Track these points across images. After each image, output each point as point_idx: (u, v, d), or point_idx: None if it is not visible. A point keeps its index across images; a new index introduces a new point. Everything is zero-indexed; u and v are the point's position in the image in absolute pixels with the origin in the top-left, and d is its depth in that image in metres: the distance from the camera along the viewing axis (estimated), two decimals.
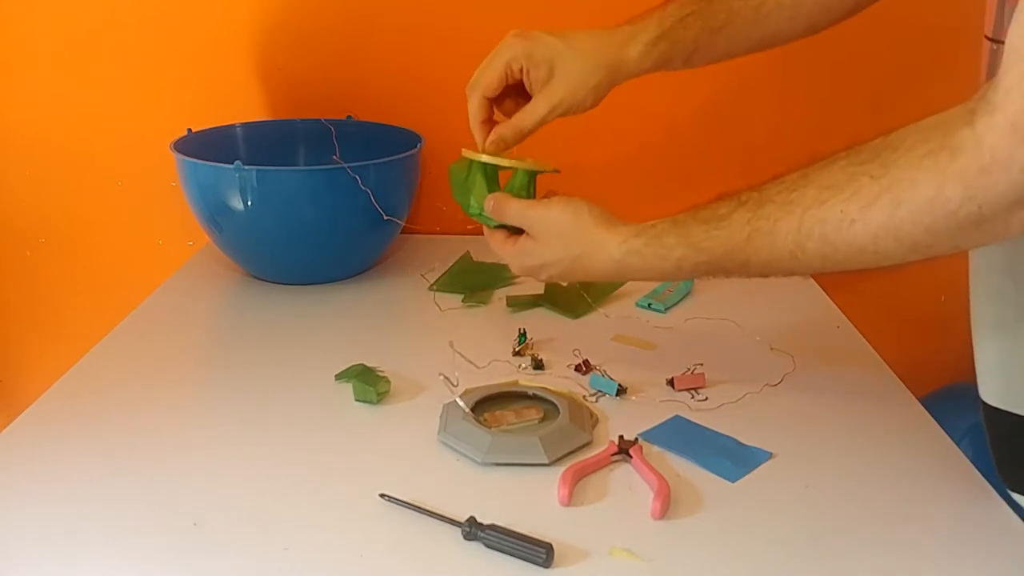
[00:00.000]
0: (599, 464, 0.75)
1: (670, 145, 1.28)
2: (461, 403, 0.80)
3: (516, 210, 0.79)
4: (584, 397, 0.86)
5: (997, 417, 0.73)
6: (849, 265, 0.63)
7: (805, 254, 0.63)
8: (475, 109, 0.84)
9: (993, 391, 0.73)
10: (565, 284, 0.83)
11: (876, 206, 0.59)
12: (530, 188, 0.83)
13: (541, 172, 0.83)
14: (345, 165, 1.03)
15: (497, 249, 0.82)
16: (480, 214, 0.82)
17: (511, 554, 0.63)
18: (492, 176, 0.84)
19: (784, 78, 1.24)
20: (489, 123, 0.85)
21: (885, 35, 1.20)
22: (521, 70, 0.82)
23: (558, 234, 0.77)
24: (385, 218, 1.07)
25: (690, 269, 0.71)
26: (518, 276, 0.89)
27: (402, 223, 1.13)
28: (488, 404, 0.83)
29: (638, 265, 0.73)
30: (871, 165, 0.59)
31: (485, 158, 0.82)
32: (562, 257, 0.77)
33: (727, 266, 0.69)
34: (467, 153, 0.84)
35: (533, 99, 0.82)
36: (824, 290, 1.13)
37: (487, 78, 0.83)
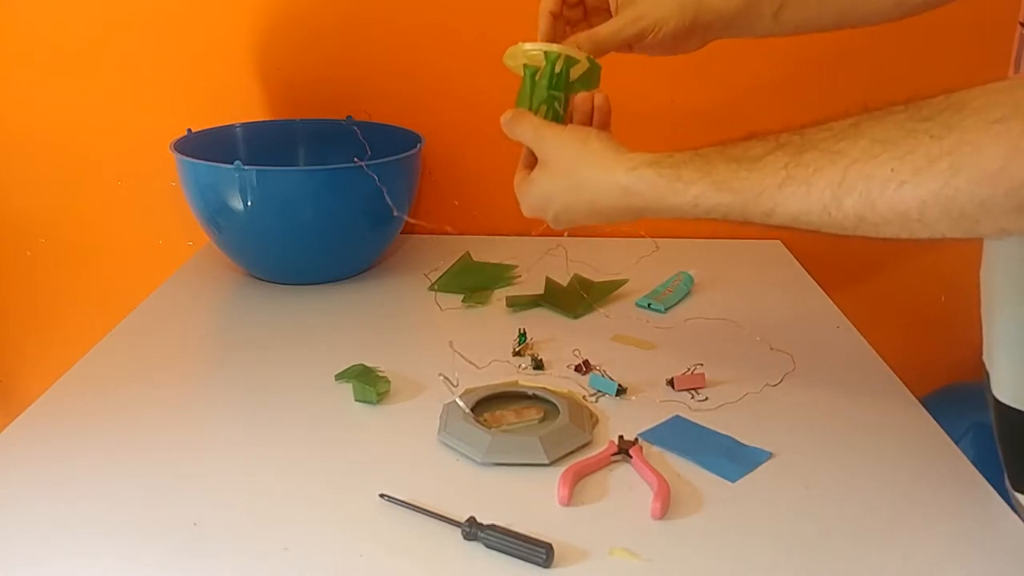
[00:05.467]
0: (599, 464, 0.75)
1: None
2: (461, 403, 0.80)
3: (530, 126, 0.77)
4: (584, 397, 0.86)
5: (1010, 416, 0.72)
6: (884, 230, 0.57)
7: (840, 211, 0.57)
8: (542, 27, 0.81)
9: (1007, 389, 0.72)
10: (568, 229, 0.79)
11: (932, 169, 0.53)
12: (558, 83, 0.80)
13: (574, 64, 0.80)
14: (363, 164, 1.04)
15: (515, 187, 0.79)
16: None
17: (511, 554, 0.63)
18: (541, 84, 0.81)
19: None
20: (557, 16, 0.82)
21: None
22: None
23: (563, 159, 0.73)
24: (395, 214, 1.07)
25: (707, 208, 0.65)
26: (531, 220, 0.80)
27: (405, 217, 1.12)
28: (488, 404, 0.83)
29: (648, 195, 0.68)
30: (932, 123, 0.53)
31: (528, 46, 0.80)
32: (566, 186, 0.72)
33: (748, 212, 0.63)
34: (511, 50, 0.81)
35: (616, 14, 0.80)
36: (824, 290, 1.13)
37: None
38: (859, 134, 0.57)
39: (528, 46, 0.80)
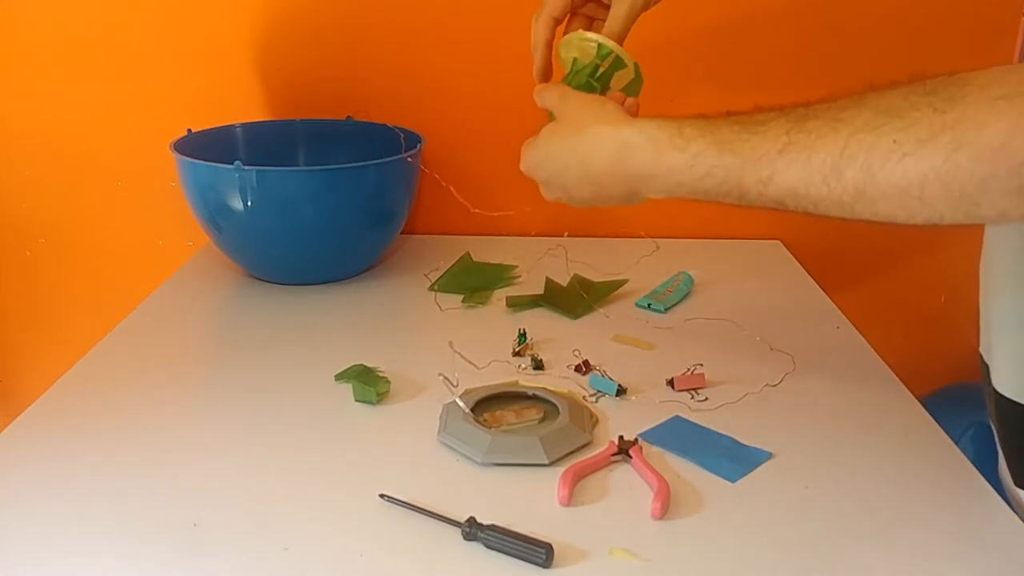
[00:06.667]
0: (599, 464, 0.75)
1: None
2: (461, 403, 0.80)
3: (559, 92, 0.78)
4: (584, 397, 0.86)
5: (1012, 409, 0.72)
6: (883, 208, 0.56)
7: (840, 182, 0.57)
8: (539, 31, 0.82)
9: (1007, 381, 0.72)
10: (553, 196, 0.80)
11: (934, 143, 0.52)
12: (600, 76, 0.82)
13: (621, 68, 0.82)
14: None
15: (523, 147, 0.79)
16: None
17: (511, 554, 0.63)
18: (583, 73, 0.82)
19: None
20: (551, 46, 0.83)
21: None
22: None
23: (577, 114, 0.74)
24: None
25: (704, 170, 0.65)
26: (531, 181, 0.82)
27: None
28: (488, 404, 0.83)
29: (646, 152, 0.68)
30: (936, 97, 0.53)
31: (589, 36, 0.81)
32: (568, 141, 0.73)
33: (746, 180, 0.62)
34: (569, 37, 0.82)
35: (613, 3, 0.81)
36: (824, 290, 1.13)
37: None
38: (863, 105, 0.57)
39: (590, 35, 0.81)
